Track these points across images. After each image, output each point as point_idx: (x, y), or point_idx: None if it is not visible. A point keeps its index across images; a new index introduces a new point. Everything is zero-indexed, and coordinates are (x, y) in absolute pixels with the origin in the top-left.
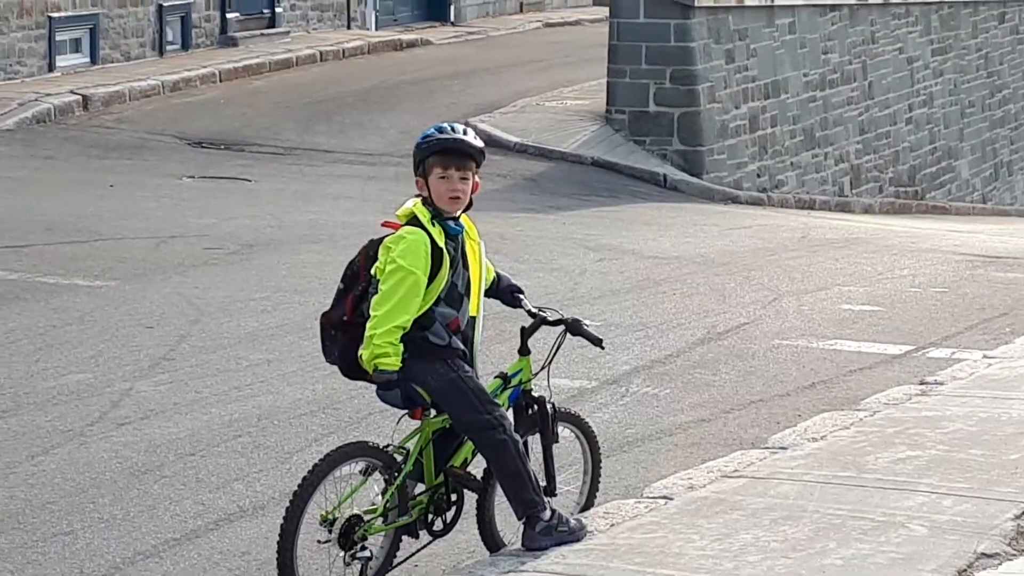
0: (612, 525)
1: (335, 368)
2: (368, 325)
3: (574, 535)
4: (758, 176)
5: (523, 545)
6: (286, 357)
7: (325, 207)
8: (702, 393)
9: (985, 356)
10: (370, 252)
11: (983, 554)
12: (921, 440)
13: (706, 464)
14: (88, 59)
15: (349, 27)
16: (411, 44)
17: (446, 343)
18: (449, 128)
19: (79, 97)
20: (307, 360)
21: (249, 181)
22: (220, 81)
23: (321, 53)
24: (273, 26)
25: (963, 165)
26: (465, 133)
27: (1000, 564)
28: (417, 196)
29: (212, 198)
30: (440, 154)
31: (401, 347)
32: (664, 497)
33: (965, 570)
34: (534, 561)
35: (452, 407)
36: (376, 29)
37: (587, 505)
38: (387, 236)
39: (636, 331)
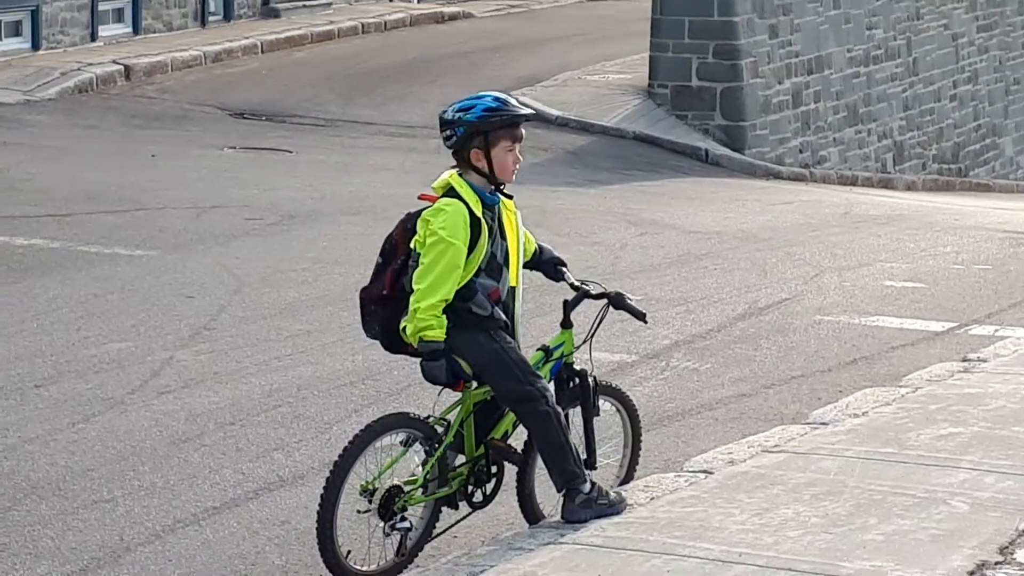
0: (652, 499)
1: (375, 341)
2: (412, 299)
3: (614, 508)
4: (800, 152)
5: (562, 517)
6: (326, 328)
7: (366, 179)
8: (743, 368)
9: None
10: (407, 225)
11: None
12: (963, 417)
13: (746, 439)
14: (130, 29)
15: None
16: (453, 16)
17: (488, 313)
18: (506, 100)
19: (121, 67)
20: (347, 331)
21: (290, 152)
22: (262, 52)
23: (363, 25)
24: None
25: (1007, 142)
26: (515, 101)
27: None
28: (453, 168)
29: (253, 169)
30: (510, 127)
31: (444, 319)
32: (704, 471)
33: (1007, 547)
34: (574, 533)
35: (494, 378)
36: (418, 1)
37: (627, 478)
38: (424, 209)
39: (677, 306)
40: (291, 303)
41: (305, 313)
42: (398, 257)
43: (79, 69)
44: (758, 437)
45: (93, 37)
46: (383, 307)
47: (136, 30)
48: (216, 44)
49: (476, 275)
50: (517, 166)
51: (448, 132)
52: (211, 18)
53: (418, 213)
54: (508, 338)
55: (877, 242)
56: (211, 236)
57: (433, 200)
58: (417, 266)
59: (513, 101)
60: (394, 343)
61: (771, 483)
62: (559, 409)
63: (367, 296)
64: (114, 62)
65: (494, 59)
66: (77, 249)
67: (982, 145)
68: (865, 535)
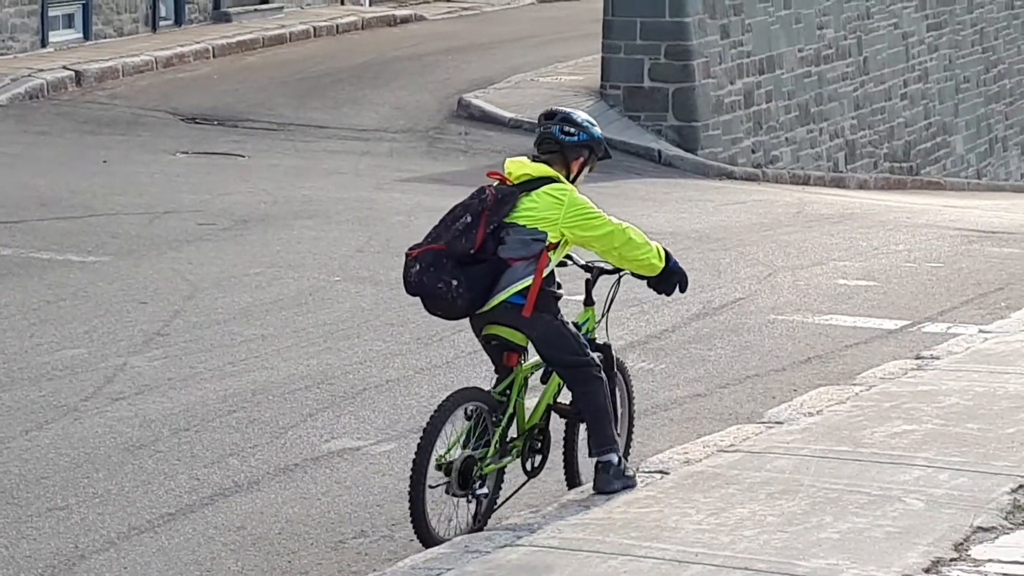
0: (609, 499)
1: (329, 344)
2: (632, 257)
3: (632, 481)
4: (753, 152)
5: (596, 488)
6: (280, 332)
7: (318, 182)
8: (697, 368)
9: (981, 331)
10: (499, 195)
11: (980, 528)
12: (917, 414)
13: (702, 439)
14: (81, 35)
15: (343, 3)
16: (405, 20)
17: (560, 294)
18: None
19: (72, 73)
20: (301, 335)
21: (243, 157)
22: (213, 57)
23: (315, 29)
24: (267, 1)
25: (958, 140)
26: None
27: (997, 538)
28: (532, 159)
29: (206, 174)
30: (599, 156)
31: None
32: (660, 471)
33: (962, 543)
34: (530, 536)
35: (554, 349)
36: (370, 4)
37: (626, 450)
38: (505, 184)
39: (631, 306)
40: (245, 308)
41: (259, 318)
42: (490, 221)
43: (29, 75)
44: (713, 437)
45: (44, 43)
46: (465, 266)
47: (87, 36)
48: (167, 49)
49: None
50: None
51: (573, 130)
52: (162, 23)
53: (509, 187)
54: (562, 312)
55: (830, 241)
56: (164, 241)
57: (504, 178)
58: (520, 242)
59: None
60: (475, 306)
61: (727, 483)
62: (605, 377)
63: (448, 251)
64: (65, 68)
65: (447, 62)
66: (29, 256)
67: (933, 143)
68: (821, 533)
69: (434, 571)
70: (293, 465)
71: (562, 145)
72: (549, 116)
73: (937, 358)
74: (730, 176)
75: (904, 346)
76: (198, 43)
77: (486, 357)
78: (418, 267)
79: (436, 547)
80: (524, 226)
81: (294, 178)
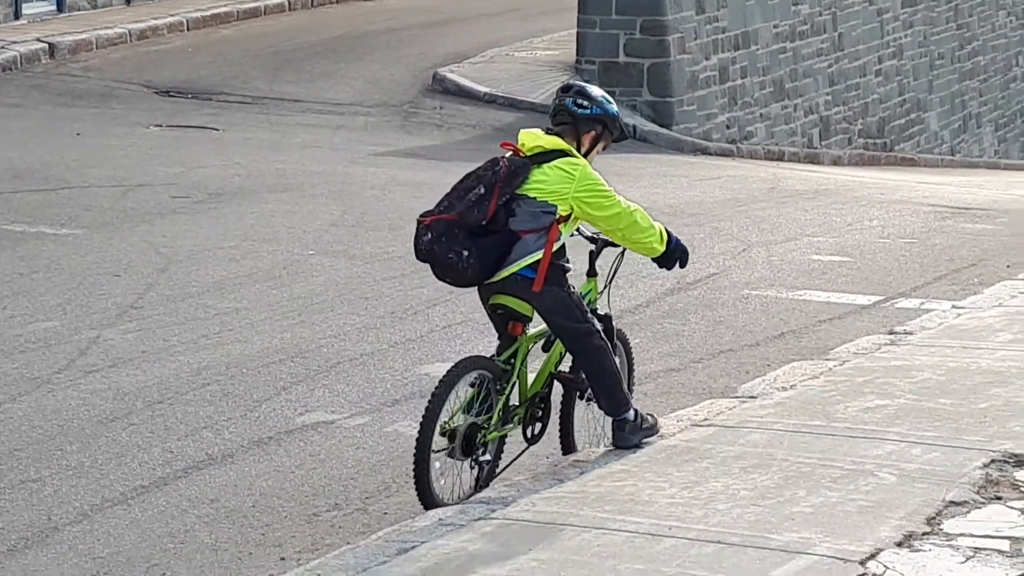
0: (582, 473)
1: (303, 317)
2: (634, 239)
3: (654, 430)
4: (727, 127)
5: (614, 444)
6: (254, 306)
7: (293, 156)
8: (671, 343)
9: (954, 306)
10: (511, 167)
11: (952, 502)
12: (890, 389)
13: (676, 413)
14: (54, 7)
15: None
16: None
17: (568, 268)
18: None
19: (45, 45)
20: (275, 309)
21: (217, 130)
22: (188, 30)
23: (290, 2)
24: None
25: (932, 117)
26: None
27: (968, 512)
28: (546, 131)
29: (179, 147)
30: (616, 137)
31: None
32: (633, 446)
33: (934, 518)
34: (504, 509)
35: (560, 318)
36: None
37: None
38: (519, 156)
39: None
40: (219, 281)
41: (233, 291)
42: (502, 192)
43: (2, 47)
44: (687, 411)
45: (17, 15)
46: (477, 237)
47: (60, 8)
48: (142, 21)
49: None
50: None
51: (586, 103)
52: None
53: (527, 158)
54: (570, 283)
55: (804, 216)
56: (137, 214)
57: (516, 149)
58: (530, 214)
59: None
60: (485, 276)
61: (700, 457)
62: (609, 344)
63: (461, 221)
64: (38, 40)
65: (422, 36)
66: (1, 228)
67: (907, 120)
68: (794, 507)
69: (408, 543)
70: (267, 438)
71: (575, 117)
72: (565, 89)
73: (910, 333)
74: (704, 152)
75: (877, 321)
76: (172, 16)
77: (460, 331)
78: (430, 236)
79: (409, 520)
80: (535, 199)
81: (268, 152)
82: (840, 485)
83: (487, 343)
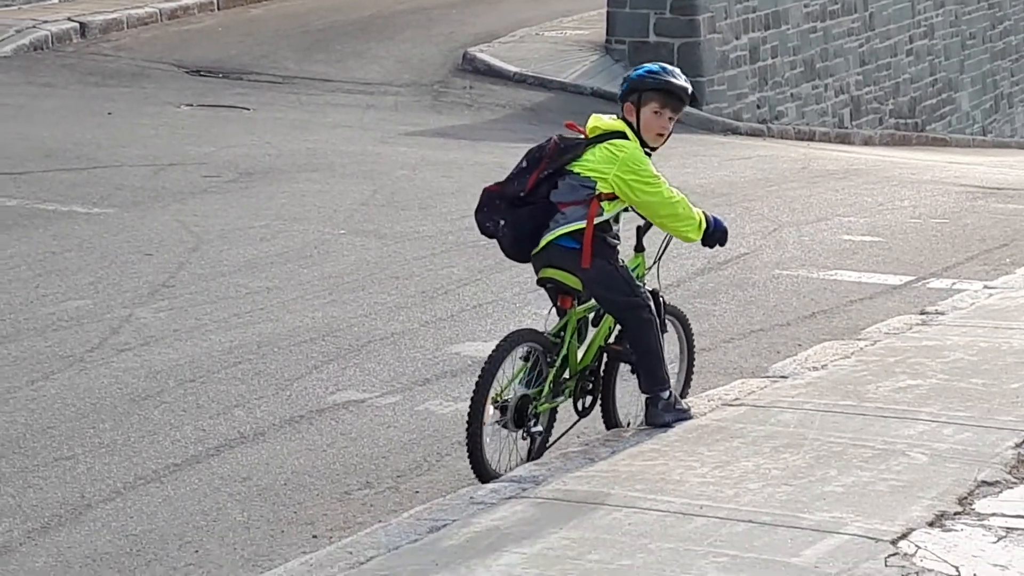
0: (613, 452)
1: (334, 296)
2: (672, 228)
3: (687, 414)
4: (758, 107)
5: (647, 422)
6: (285, 285)
7: (323, 136)
8: (702, 323)
9: (986, 287)
10: (562, 144)
11: (983, 482)
12: (922, 369)
13: (706, 392)
14: None
15: None
16: None
17: (616, 243)
18: (669, 70)
19: (77, 24)
20: (307, 288)
21: (247, 110)
22: (218, 9)
23: None
24: None
25: (963, 97)
26: (682, 78)
27: (1000, 492)
28: (611, 115)
29: (210, 126)
30: (663, 92)
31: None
32: (665, 425)
33: (966, 498)
34: (535, 488)
35: (606, 290)
36: None
37: (683, 392)
38: (575, 136)
39: None
40: (250, 260)
41: (264, 270)
42: (545, 167)
43: (34, 27)
44: (718, 391)
45: None
46: (514, 208)
47: None
48: (172, 1)
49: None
50: (664, 133)
51: (622, 83)
52: None
53: (576, 138)
54: (620, 257)
55: (835, 196)
56: (169, 193)
57: (581, 131)
58: (570, 187)
59: (676, 72)
60: (520, 242)
61: (731, 436)
62: (656, 319)
63: (500, 191)
64: (70, 19)
65: (451, 15)
66: (34, 207)
67: (938, 100)
68: (825, 487)
69: (439, 522)
70: (298, 417)
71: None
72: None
73: (942, 313)
74: (735, 132)
75: (909, 302)
76: None
77: (491, 310)
78: (477, 206)
79: (441, 498)
80: (578, 174)
81: (299, 131)
82: (871, 465)
83: (517, 323)
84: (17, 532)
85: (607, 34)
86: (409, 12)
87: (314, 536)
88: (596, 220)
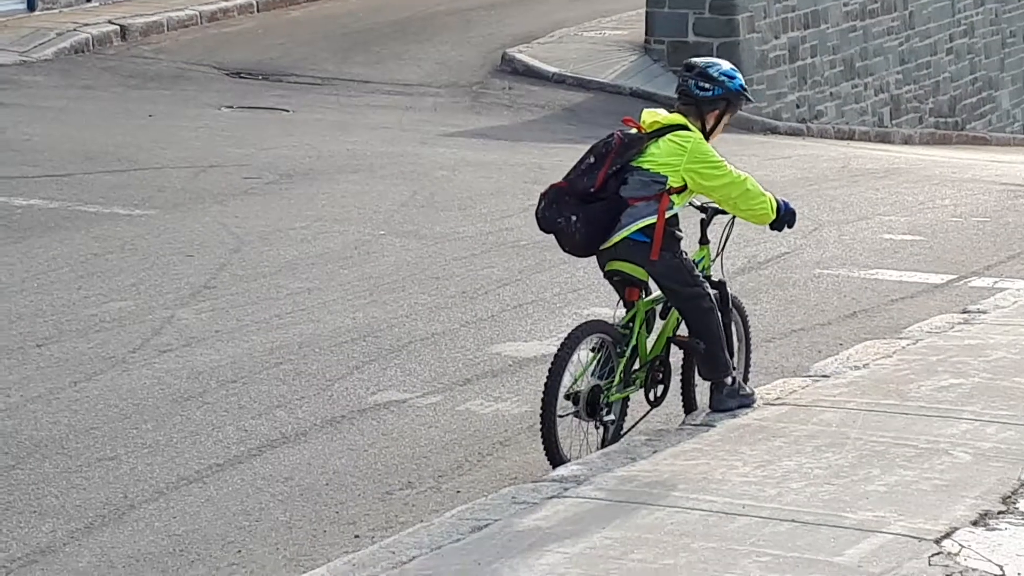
0: (655, 452)
1: (374, 297)
2: (747, 207)
3: (751, 399)
4: (797, 107)
5: (711, 407)
6: (326, 286)
7: (363, 137)
8: None
9: None
10: (625, 140)
11: None
12: (964, 368)
13: None
14: None
15: None
16: None
17: (680, 235)
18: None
19: (117, 27)
20: (347, 289)
21: (287, 111)
22: (257, 11)
23: None
24: None
25: (1004, 96)
26: None
27: None
28: (673, 109)
29: (250, 128)
30: (740, 106)
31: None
32: (706, 424)
33: (1009, 496)
34: (577, 487)
35: (671, 281)
36: None
37: (745, 376)
38: (634, 131)
39: None
40: (291, 261)
41: (305, 271)
42: (612, 162)
43: (75, 30)
44: (760, 390)
45: None
46: (585, 203)
47: None
48: (212, 3)
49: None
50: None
51: (708, 85)
52: None
53: (642, 133)
54: (683, 249)
55: (875, 195)
56: (209, 195)
57: (637, 126)
58: (640, 183)
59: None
60: (591, 241)
61: (773, 435)
62: (717, 308)
63: (570, 187)
64: (110, 22)
65: (490, 16)
66: (76, 209)
67: (978, 98)
68: (868, 486)
69: (482, 521)
70: (340, 417)
71: (696, 100)
72: (689, 68)
73: (984, 312)
74: (775, 131)
75: (950, 300)
76: None
77: (531, 311)
78: (543, 203)
79: (482, 498)
80: (648, 170)
81: (338, 132)
82: (914, 464)
83: (557, 323)
84: (61, 532)
85: (646, 34)
86: (447, 14)
87: (356, 536)
88: (666, 215)
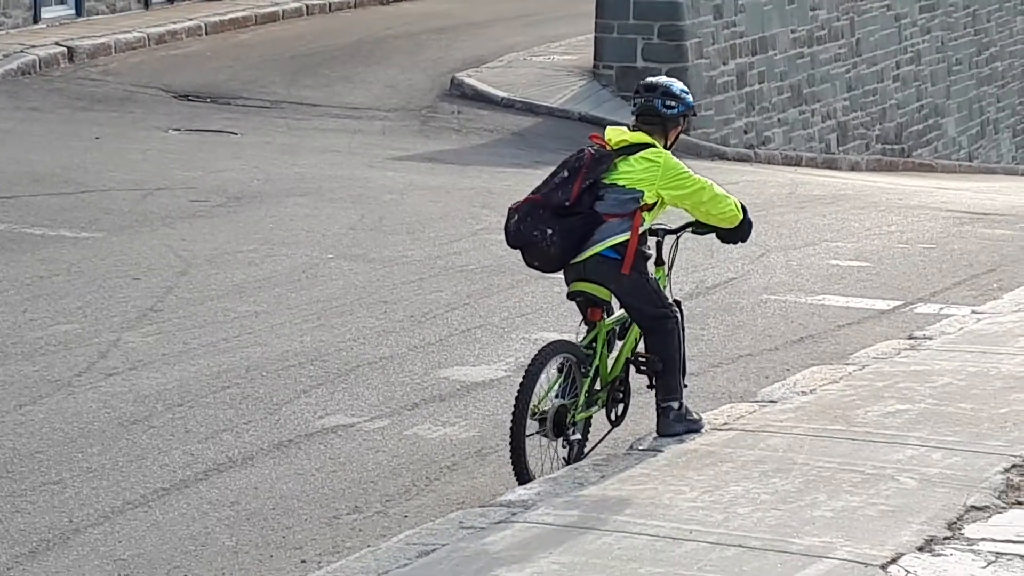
0: (603, 477)
1: (322, 321)
2: (717, 212)
3: (698, 424)
4: (745, 132)
5: (659, 432)
6: (274, 309)
7: (311, 160)
8: (691, 347)
9: (973, 311)
10: (596, 155)
11: (973, 507)
12: (910, 394)
13: None
14: (73, 11)
15: None
16: None
17: (649, 254)
18: None
19: (64, 49)
20: (295, 312)
21: (235, 134)
22: (206, 34)
23: (308, 7)
24: None
25: (950, 123)
26: None
27: (990, 517)
28: (632, 128)
29: (198, 151)
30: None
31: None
32: (654, 450)
33: (955, 523)
34: (525, 512)
35: (638, 300)
36: None
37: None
38: (601, 148)
39: None
40: (238, 284)
41: (253, 294)
42: (585, 177)
43: (22, 51)
44: (707, 415)
45: (36, 19)
46: (561, 217)
47: (79, 12)
48: (160, 26)
49: None
50: None
51: (673, 103)
52: (154, 0)
53: (611, 149)
54: (648, 269)
55: (822, 222)
56: (157, 218)
57: (603, 143)
58: (617, 200)
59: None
60: (565, 255)
61: (720, 460)
62: (680, 329)
63: (544, 201)
64: (57, 44)
65: (440, 40)
66: (22, 231)
67: (925, 126)
68: (814, 511)
69: (429, 546)
70: (287, 441)
71: (663, 117)
72: (650, 88)
73: (930, 338)
74: (722, 157)
75: (897, 326)
76: (191, 20)
77: (479, 335)
78: (516, 217)
79: (430, 523)
80: (623, 186)
81: (287, 155)
82: (861, 489)
83: (505, 348)
84: (5, 556)
85: (595, 59)
86: (397, 37)
87: (303, 561)
88: (639, 231)
